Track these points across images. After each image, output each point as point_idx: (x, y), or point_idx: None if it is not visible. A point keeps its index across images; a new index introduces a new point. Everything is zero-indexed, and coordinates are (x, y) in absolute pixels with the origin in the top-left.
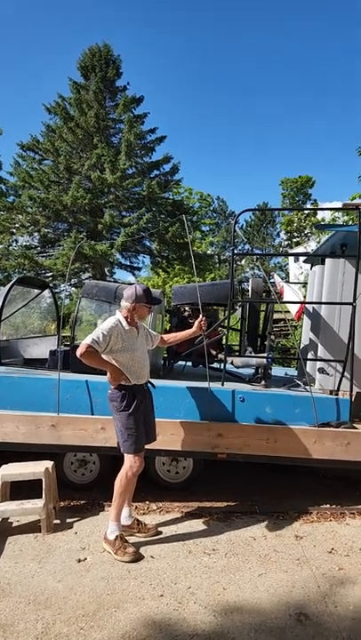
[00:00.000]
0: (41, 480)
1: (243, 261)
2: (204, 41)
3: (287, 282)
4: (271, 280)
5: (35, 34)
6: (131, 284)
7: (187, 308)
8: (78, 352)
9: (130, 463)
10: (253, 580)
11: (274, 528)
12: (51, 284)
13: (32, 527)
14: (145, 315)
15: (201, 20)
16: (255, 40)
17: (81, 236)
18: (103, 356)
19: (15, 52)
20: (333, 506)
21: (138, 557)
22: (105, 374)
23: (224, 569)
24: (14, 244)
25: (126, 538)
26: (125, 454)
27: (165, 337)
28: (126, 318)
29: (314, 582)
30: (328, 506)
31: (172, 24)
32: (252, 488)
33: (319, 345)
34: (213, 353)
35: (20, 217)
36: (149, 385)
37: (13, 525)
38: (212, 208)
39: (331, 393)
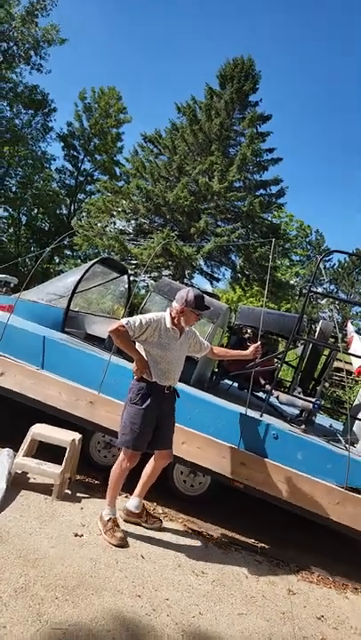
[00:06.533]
0: (65, 448)
1: (323, 301)
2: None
3: None
4: (344, 328)
5: (180, 36)
6: (207, 293)
7: (249, 331)
8: (110, 328)
9: (122, 457)
10: (232, 616)
11: (269, 574)
12: (132, 272)
13: (45, 488)
14: (191, 320)
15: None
16: None
17: (173, 234)
18: (137, 346)
19: (157, 48)
20: (339, 574)
21: (123, 544)
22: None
23: (207, 594)
24: (111, 226)
25: (129, 523)
26: (118, 447)
27: (216, 350)
28: (173, 318)
29: None
30: (333, 575)
31: (319, 55)
32: (263, 526)
33: None
34: (262, 382)
35: (124, 202)
36: (175, 391)
37: (30, 481)
38: (308, 240)
39: None
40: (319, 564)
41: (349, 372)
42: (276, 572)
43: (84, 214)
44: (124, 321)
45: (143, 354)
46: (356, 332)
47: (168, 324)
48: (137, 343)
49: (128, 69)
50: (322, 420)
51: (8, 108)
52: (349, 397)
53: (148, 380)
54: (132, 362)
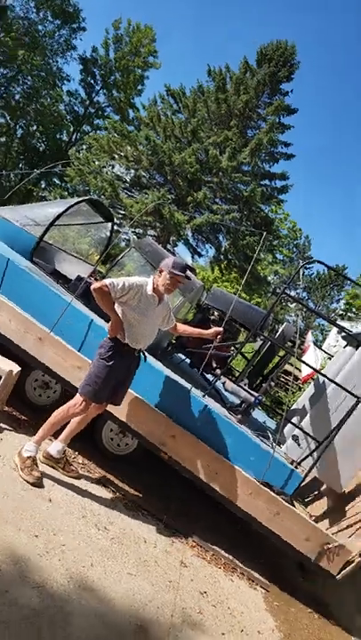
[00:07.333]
0: (0, 377)
1: (293, 305)
2: None
3: (320, 347)
4: (304, 336)
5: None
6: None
7: (215, 313)
8: (93, 286)
9: (76, 402)
10: (121, 574)
11: (168, 543)
12: (118, 221)
13: None
14: (171, 286)
15: None
16: None
17: (169, 196)
18: (115, 306)
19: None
20: (232, 557)
21: (39, 484)
22: (108, 321)
23: (103, 549)
24: (109, 169)
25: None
26: (79, 394)
27: (179, 326)
28: (153, 284)
29: (170, 609)
30: (227, 555)
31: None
32: (176, 498)
33: (308, 415)
34: (214, 365)
35: (129, 148)
36: (142, 355)
37: None
38: (295, 242)
39: (291, 463)
40: (216, 545)
41: (296, 378)
42: (174, 543)
43: (84, 147)
44: (107, 281)
45: (120, 314)
46: (313, 342)
47: (149, 291)
48: (115, 303)
49: (166, 19)
50: (258, 415)
51: (34, 10)
52: (289, 401)
53: (120, 340)
54: (103, 319)
